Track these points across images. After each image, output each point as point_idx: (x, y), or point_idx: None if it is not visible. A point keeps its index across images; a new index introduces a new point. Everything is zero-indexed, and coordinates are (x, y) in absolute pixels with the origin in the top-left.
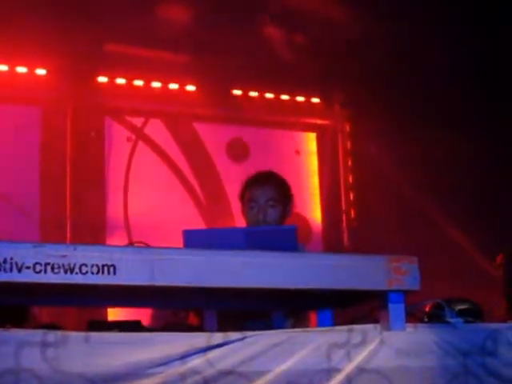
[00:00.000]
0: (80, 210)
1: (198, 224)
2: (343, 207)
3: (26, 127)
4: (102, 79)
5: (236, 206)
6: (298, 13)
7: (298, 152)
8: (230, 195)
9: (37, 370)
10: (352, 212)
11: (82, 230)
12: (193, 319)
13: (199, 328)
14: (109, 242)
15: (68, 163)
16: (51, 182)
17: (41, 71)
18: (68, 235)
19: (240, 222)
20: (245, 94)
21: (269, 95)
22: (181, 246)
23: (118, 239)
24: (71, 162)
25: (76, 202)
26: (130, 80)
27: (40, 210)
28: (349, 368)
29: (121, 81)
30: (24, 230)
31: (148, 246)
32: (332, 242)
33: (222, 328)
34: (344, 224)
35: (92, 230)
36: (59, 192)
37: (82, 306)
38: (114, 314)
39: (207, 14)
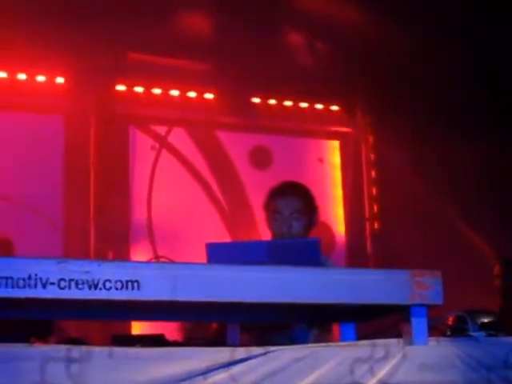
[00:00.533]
0: (104, 219)
1: (221, 232)
2: (367, 215)
3: (49, 136)
4: (126, 88)
5: (259, 213)
6: (318, 20)
7: (321, 160)
8: (253, 203)
9: None
10: (375, 221)
11: (106, 239)
12: (216, 329)
13: (222, 342)
14: (132, 250)
15: (92, 172)
16: (75, 190)
17: (63, 80)
18: (92, 244)
19: (263, 229)
20: (267, 102)
21: (291, 103)
22: (203, 254)
23: (141, 247)
24: (95, 171)
25: (100, 210)
26: (153, 89)
27: (64, 219)
28: (372, 383)
29: (144, 90)
30: (48, 238)
31: (171, 262)
32: (355, 251)
33: (245, 339)
34: (367, 232)
35: (116, 239)
36: (83, 201)
37: (106, 319)
38: (138, 326)
39: (227, 22)
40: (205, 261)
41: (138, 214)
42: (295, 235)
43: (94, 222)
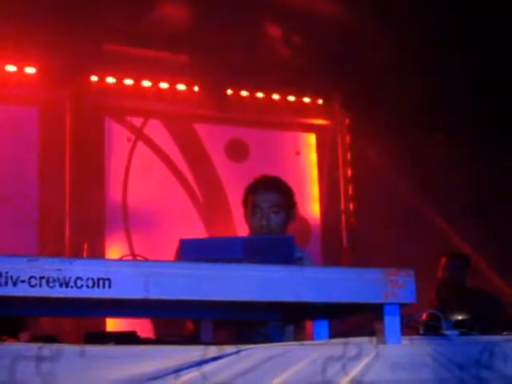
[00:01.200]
0: (79, 211)
1: (197, 224)
2: (342, 207)
3: (23, 128)
4: (101, 79)
5: (235, 206)
6: (296, 12)
7: (298, 153)
8: (230, 195)
9: None
10: (351, 209)
11: (81, 231)
12: (190, 325)
13: (195, 340)
14: (108, 241)
15: (67, 163)
16: (50, 182)
17: (38, 71)
18: (67, 235)
19: (239, 222)
20: (244, 95)
21: (267, 95)
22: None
23: (116, 239)
24: (70, 162)
25: (75, 202)
26: (128, 80)
27: (39, 211)
28: (344, 381)
29: (119, 81)
30: (23, 230)
31: (143, 260)
32: (331, 242)
33: (220, 335)
34: (343, 224)
35: (91, 231)
36: (58, 192)
37: (78, 316)
38: (113, 322)
39: (205, 14)
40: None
41: (114, 205)
42: (274, 229)
43: (69, 214)
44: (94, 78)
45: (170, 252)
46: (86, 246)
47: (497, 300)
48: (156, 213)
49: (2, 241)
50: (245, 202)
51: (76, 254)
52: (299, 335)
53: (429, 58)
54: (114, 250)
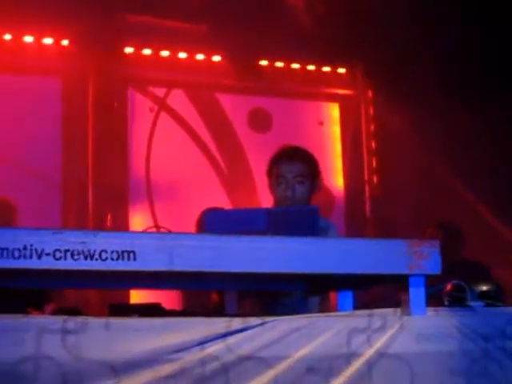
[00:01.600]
0: (102, 179)
1: (220, 194)
2: (366, 177)
3: (47, 98)
4: (124, 49)
5: (258, 176)
6: None
7: (321, 123)
8: (252, 165)
9: (57, 358)
10: (374, 180)
11: (105, 200)
12: (214, 296)
13: (220, 309)
14: (131, 211)
15: (90, 133)
16: (73, 151)
17: (61, 42)
18: (90, 205)
19: (262, 192)
20: (267, 64)
21: (291, 65)
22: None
23: (140, 208)
24: (93, 132)
25: (98, 171)
26: (152, 50)
27: (62, 179)
28: (369, 353)
29: (143, 51)
30: (47, 199)
31: (168, 232)
32: (354, 213)
33: (246, 305)
34: (366, 194)
35: (114, 200)
36: (81, 161)
37: (103, 288)
38: (135, 293)
39: None
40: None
41: (137, 175)
42: (299, 199)
43: (92, 184)
44: (117, 49)
45: (194, 221)
46: (109, 215)
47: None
48: (179, 183)
49: (26, 210)
50: (269, 173)
51: (99, 224)
52: (323, 306)
53: (454, 29)
54: (138, 220)
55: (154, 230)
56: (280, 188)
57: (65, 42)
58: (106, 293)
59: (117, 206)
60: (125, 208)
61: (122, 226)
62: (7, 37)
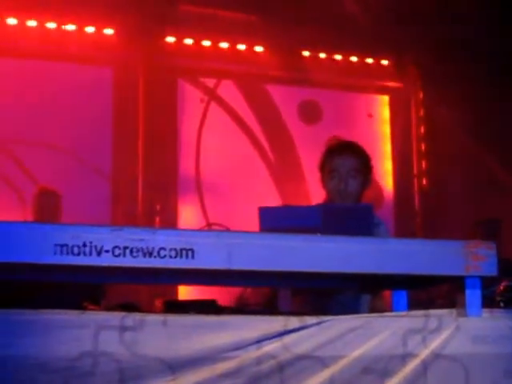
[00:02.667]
0: (152, 169)
1: (268, 186)
2: (415, 172)
3: (98, 87)
4: (174, 40)
5: (307, 168)
6: None
7: (370, 115)
8: (302, 157)
9: (115, 354)
10: (424, 178)
11: (154, 190)
12: (266, 289)
13: (275, 309)
14: (180, 202)
15: (140, 123)
16: (124, 142)
17: (112, 31)
18: (139, 196)
19: (311, 184)
20: (317, 56)
21: (341, 57)
22: (250, 208)
23: (189, 200)
24: (144, 122)
25: (148, 161)
26: (202, 41)
27: (112, 171)
28: (424, 354)
29: (194, 42)
30: (96, 189)
31: (225, 230)
32: (403, 207)
33: (297, 302)
34: (415, 188)
35: (164, 191)
36: (131, 152)
37: (158, 283)
38: (184, 289)
39: None
40: (252, 216)
41: (186, 166)
42: (351, 193)
43: (142, 174)
44: (168, 39)
45: (243, 213)
46: (158, 206)
47: None
48: (228, 174)
49: (76, 198)
50: (322, 167)
51: (148, 216)
52: (377, 304)
53: (504, 16)
54: (187, 210)
55: (210, 227)
56: (333, 182)
57: (116, 32)
58: (153, 287)
59: (166, 198)
60: (174, 199)
61: (171, 217)
62: (69, 27)
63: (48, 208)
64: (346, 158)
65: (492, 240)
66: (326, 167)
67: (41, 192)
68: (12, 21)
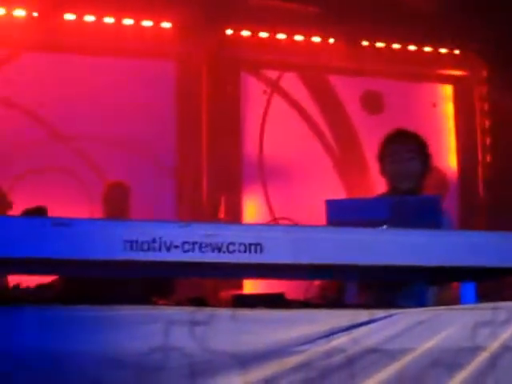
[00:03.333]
0: (216, 162)
1: (332, 177)
2: (479, 158)
3: (161, 81)
4: (237, 33)
5: (371, 158)
6: None
7: (434, 105)
8: (365, 148)
9: (185, 348)
10: (488, 160)
11: (218, 184)
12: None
13: (341, 299)
14: (245, 195)
15: (204, 116)
16: (187, 135)
17: (174, 25)
18: (204, 188)
19: (375, 175)
20: (379, 46)
21: (402, 46)
22: (315, 200)
23: (253, 193)
24: (207, 115)
25: (212, 153)
26: (263, 33)
27: (176, 164)
28: (494, 346)
29: (254, 34)
30: (161, 183)
31: (293, 225)
32: (468, 194)
33: (364, 296)
34: (480, 177)
35: (228, 184)
36: (195, 145)
37: (227, 277)
38: (250, 282)
39: None
40: (316, 208)
41: (250, 158)
42: (413, 174)
43: (206, 166)
44: (229, 32)
45: (307, 205)
46: (222, 198)
47: None
48: (292, 166)
49: (142, 193)
50: (381, 155)
51: (213, 209)
52: (445, 295)
53: None
54: (251, 202)
55: (276, 221)
56: (393, 165)
57: (177, 25)
58: (219, 281)
59: (230, 190)
60: (238, 191)
61: (235, 210)
62: (127, 21)
63: (117, 201)
64: (405, 142)
65: None
66: (386, 153)
67: (110, 185)
68: (70, 16)
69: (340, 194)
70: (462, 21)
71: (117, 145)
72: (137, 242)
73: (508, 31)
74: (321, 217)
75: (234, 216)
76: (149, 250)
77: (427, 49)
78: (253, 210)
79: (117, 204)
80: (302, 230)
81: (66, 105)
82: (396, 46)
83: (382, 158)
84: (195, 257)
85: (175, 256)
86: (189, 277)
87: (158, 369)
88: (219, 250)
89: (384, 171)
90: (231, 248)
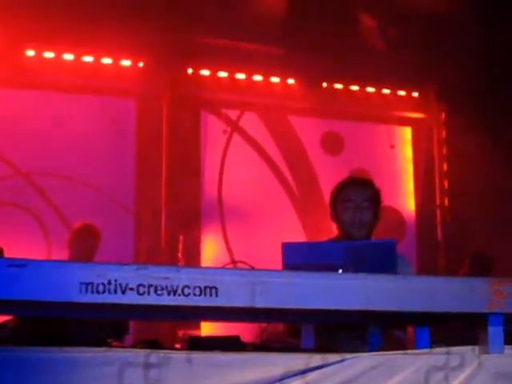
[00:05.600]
0: (175, 201)
1: (291, 217)
2: (437, 201)
3: (121, 119)
4: (197, 72)
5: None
6: (391, 4)
7: (392, 146)
8: (324, 188)
9: None
10: (446, 203)
11: (177, 222)
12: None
13: (296, 345)
14: (203, 233)
15: (164, 154)
16: (147, 174)
17: (134, 64)
18: (163, 225)
19: None
20: (339, 88)
21: (362, 88)
22: (273, 241)
23: (212, 231)
24: (167, 154)
25: (171, 192)
26: (224, 73)
27: (136, 200)
28: None
29: (215, 74)
30: (121, 222)
31: (249, 268)
32: (426, 237)
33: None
34: (438, 218)
35: (187, 222)
36: (155, 184)
37: (181, 320)
38: (206, 323)
39: (300, 6)
40: (275, 250)
41: (209, 197)
42: (366, 223)
43: (165, 205)
44: (190, 71)
45: (265, 245)
46: (181, 237)
47: None
48: (251, 205)
49: (100, 228)
50: (333, 200)
51: (172, 247)
52: (399, 338)
53: None
54: (210, 241)
55: (234, 264)
56: (347, 212)
57: (140, 64)
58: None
59: (189, 228)
60: (197, 230)
61: (194, 250)
62: (87, 58)
63: (86, 243)
64: (360, 189)
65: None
66: (339, 199)
67: (80, 229)
68: (30, 52)
69: (299, 234)
70: (421, 64)
71: (75, 182)
72: (92, 284)
73: (465, 76)
74: (279, 258)
75: (193, 256)
76: (104, 292)
77: (386, 91)
78: (211, 249)
79: (84, 248)
80: (257, 274)
81: (23, 140)
82: (355, 87)
83: (335, 202)
84: (150, 300)
85: (130, 299)
86: (144, 319)
87: None
88: (174, 293)
89: (336, 217)
90: (186, 291)
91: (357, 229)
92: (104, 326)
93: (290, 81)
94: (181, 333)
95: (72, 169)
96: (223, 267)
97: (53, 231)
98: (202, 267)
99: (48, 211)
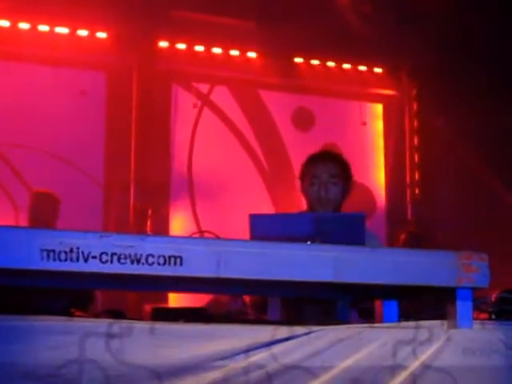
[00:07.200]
0: (144, 174)
1: (261, 191)
2: (408, 181)
3: (91, 91)
4: (169, 45)
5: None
6: None
7: (364, 123)
8: (294, 163)
9: (101, 361)
10: (417, 178)
11: (146, 196)
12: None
13: (262, 318)
14: (172, 207)
15: (133, 128)
16: (116, 147)
17: (105, 35)
18: (132, 198)
19: None
20: (310, 63)
21: (335, 64)
22: (242, 214)
23: (181, 205)
24: (136, 127)
25: (141, 165)
26: (196, 46)
27: (104, 173)
28: (414, 365)
29: (187, 47)
30: (89, 194)
31: (215, 238)
32: (395, 216)
33: (285, 312)
34: (408, 197)
35: (156, 196)
36: (124, 157)
37: (146, 290)
38: (175, 296)
39: None
40: (244, 223)
41: (179, 171)
42: (332, 200)
43: (134, 179)
44: (161, 44)
45: (235, 220)
46: (150, 211)
47: None
48: (221, 179)
49: (68, 204)
50: (302, 175)
51: (140, 221)
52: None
53: (497, 32)
54: (179, 216)
55: (201, 234)
56: (313, 188)
57: (109, 36)
58: (143, 294)
59: (158, 203)
60: (166, 204)
61: (162, 223)
62: (62, 30)
63: (43, 211)
64: (327, 165)
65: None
66: (307, 174)
67: (37, 194)
68: (4, 23)
69: (268, 208)
70: (393, 41)
71: (44, 155)
72: (54, 251)
73: (436, 52)
74: (247, 232)
75: (161, 229)
76: (66, 260)
77: (359, 67)
78: (180, 223)
79: (42, 214)
80: (223, 244)
81: None
82: (330, 63)
83: (303, 177)
84: (113, 268)
85: (93, 267)
86: (108, 289)
87: (73, 381)
88: (138, 261)
89: (304, 192)
90: (150, 260)
91: (321, 205)
92: (68, 295)
93: (261, 55)
94: (147, 307)
95: (41, 142)
96: (188, 236)
97: (21, 202)
98: (166, 236)
99: (16, 183)
